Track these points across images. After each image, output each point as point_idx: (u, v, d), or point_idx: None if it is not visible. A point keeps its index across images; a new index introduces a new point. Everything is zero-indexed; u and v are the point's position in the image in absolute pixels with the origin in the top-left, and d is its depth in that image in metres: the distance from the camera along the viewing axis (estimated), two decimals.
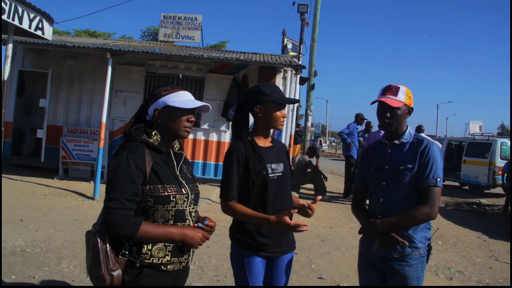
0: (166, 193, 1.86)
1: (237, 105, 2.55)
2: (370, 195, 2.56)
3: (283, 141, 9.48)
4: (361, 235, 2.54)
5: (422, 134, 9.24)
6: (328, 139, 62.71)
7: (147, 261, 1.82)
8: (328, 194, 9.89)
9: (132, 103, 9.63)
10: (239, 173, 2.32)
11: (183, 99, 1.95)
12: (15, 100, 9.71)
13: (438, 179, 2.27)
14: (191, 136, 9.77)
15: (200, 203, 7.74)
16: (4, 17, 4.03)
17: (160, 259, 1.85)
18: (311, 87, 16.21)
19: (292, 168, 8.27)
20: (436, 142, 9.25)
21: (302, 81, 13.78)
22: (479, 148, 13.28)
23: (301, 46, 11.49)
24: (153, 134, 1.93)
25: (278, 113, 2.37)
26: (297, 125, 20.26)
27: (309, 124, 17.16)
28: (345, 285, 4.35)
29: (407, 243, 2.28)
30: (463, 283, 4.83)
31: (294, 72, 9.05)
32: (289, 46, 17.75)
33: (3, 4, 3.95)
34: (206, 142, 9.85)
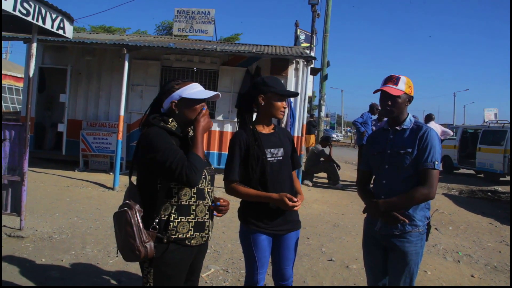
0: None
1: (242, 95, 2.78)
2: (374, 177, 2.75)
3: (296, 130, 9.65)
4: (365, 215, 2.74)
5: (432, 122, 9.31)
6: (343, 129, 62.45)
7: (173, 236, 2.02)
8: (341, 182, 10.03)
9: (149, 96, 9.88)
10: (241, 157, 2.56)
11: (195, 90, 2.17)
12: (36, 96, 10.07)
13: (436, 162, 2.44)
14: None
15: (215, 192, 8.00)
16: (29, 18, 4.27)
17: (185, 234, 2.06)
18: (324, 78, 16.28)
19: (301, 155, 8.38)
20: (448, 130, 9.25)
21: (315, 71, 13.88)
22: (494, 135, 13.19)
23: (313, 37, 11.54)
24: (170, 121, 2.13)
25: (279, 103, 2.60)
26: (311, 115, 20.36)
27: (322, 114, 17.25)
28: (354, 266, 4.54)
29: (407, 221, 2.46)
30: (470, 266, 4.96)
31: (305, 63, 9.18)
32: (302, 37, 17.81)
33: (27, 6, 4.19)
34: (221, 133, 10.07)
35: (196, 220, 2.10)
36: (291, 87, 9.91)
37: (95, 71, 10.14)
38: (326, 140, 10.66)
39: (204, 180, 2.15)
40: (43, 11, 4.42)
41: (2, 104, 13.25)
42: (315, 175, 10.52)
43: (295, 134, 9.80)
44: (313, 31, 11.49)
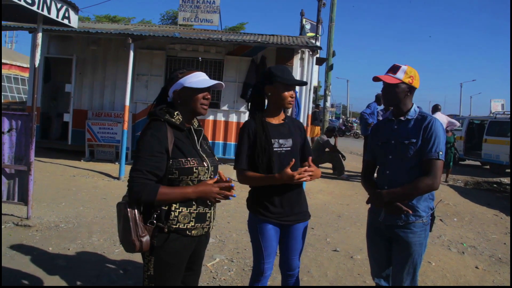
0: (189, 165, 2.07)
1: (253, 86, 2.78)
2: (378, 167, 2.75)
3: (301, 120, 9.62)
4: (369, 205, 2.74)
5: (438, 113, 9.26)
6: (349, 119, 62.11)
7: (174, 226, 2.04)
8: (346, 173, 10.02)
9: (154, 86, 9.89)
10: (249, 146, 2.58)
11: (198, 79, 2.14)
12: (42, 86, 10.09)
13: (440, 153, 2.43)
14: (211, 118, 10.01)
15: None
16: (34, 8, 4.26)
17: (186, 225, 2.07)
18: (330, 68, 16.19)
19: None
20: (455, 121, 9.17)
21: (320, 61, 13.79)
22: (501, 127, 13.07)
23: (318, 26, 11.45)
24: (175, 114, 2.13)
25: (286, 93, 2.60)
26: (317, 105, 20.29)
27: (328, 104, 17.18)
28: (358, 257, 4.55)
29: (411, 212, 2.46)
30: (474, 258, 4.96)
31: (311, 53, 9.12)
32: (308, 26, 17.64)
33: None
34: (226, 123, 10.06)
35: (197, 211, 2.11)
36: (296, 77, 9.84)
37: (100, 61, 10.13)
38: (331, 131, 10.63)
39: (206, 171, 2.14)
40: (48, 0, 4.40)
41: (8, 94, 13.30)
42: (320, 165, 10.50)
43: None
44: (319, 21, 11.41)
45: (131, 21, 23.70)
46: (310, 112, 8.75)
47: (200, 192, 2.06)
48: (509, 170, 13.02)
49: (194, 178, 2.09)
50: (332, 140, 10.37)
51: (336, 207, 7.02)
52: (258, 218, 2.63)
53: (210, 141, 10.16)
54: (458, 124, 10.02)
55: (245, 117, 10.01)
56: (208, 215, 2.18)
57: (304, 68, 9.83)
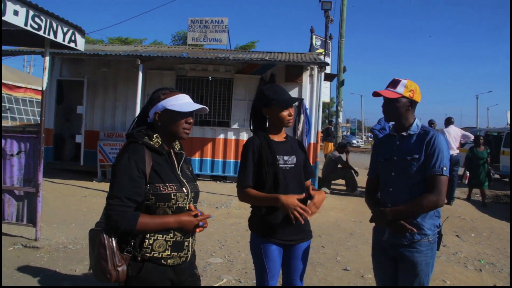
0: (167, 191, 1.95)
1: (251, 108, 2.75)
2: (381, 185, 2.66)
3: (312, 137, 9.55)
4: (374, 224, 2.65)
5: (452, 126, 9.09)
6: (364, 135, 61.80)
7: (148, 255, 1.91)
8: (359, 189, 9.86)
9: None
10: (254, 163, 2.52)
11: (181, 102, 2.02)
12: (55, 108, 10.29)
13: (444, 168, 2.34)
14: (222, 136, 10.04)
15: (231, 201, 7.99)
16: (41, 32, 4.34)
17: (161, 253, 1.94)
18: (341, 83, 16.15)
19: (317, 162, 8.26)
20: (469, 134, 8.95)
21: (331, 77, 13.78)
22: None
23: (327, 42, 11.48)
24: (154, 137, 2.02)
25: (283, 113, 2.56)
26: (329, 122, 20.20)
27: (340, 120, 17.09)
28: (369, 276, 4.41)
29: (415, 230, 2.36)
30: (493, 275, 4.77)
31: (319, 69, 9.13)
32: (318, 43, 17.77)
33: (38, 20, 4.26)
34: (237, 141, 10.06)
35: (174, 239, 1.98)
36: (306, 93, 9.86)
37: (111, 82, 10.30)
38: (343, 147, 10.53)
39: (186, 197, 2.04)
40: (54, 25, 4.50)
41: (24, 116, 13.58)
42: (333, 182, 10.38)
43: (311, 141, 9.72)
44: (327, 37, 11.45)
45: (143, 42, 24.19)
46: (320, 129, 8.68)
47: (180, 222, 1.97)
48: None
49: (172, 204, 1.98)
50: (344, 156, 10.25)
51: (348, 224, 6.88)
52: (262, 239, 2.55)
53: (220, 159, 10.23)
54: (472, 137, 9.81)
55: None
56: (186, 243, 2.05)
57: (314, 85, 9.84)
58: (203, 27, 11.68)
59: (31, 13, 4.20)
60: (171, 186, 1.98)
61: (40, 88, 10.58)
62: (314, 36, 17.82)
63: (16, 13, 4.04)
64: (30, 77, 15.15)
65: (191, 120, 2.07)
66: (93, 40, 19.58)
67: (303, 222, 2.42)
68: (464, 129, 16.55)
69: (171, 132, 2.05)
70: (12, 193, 4.93)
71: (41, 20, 4.33)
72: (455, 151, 8.96)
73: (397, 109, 2.48)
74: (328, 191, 9.88)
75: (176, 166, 2.10)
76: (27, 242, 4.84)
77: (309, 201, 2.55)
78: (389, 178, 2.54)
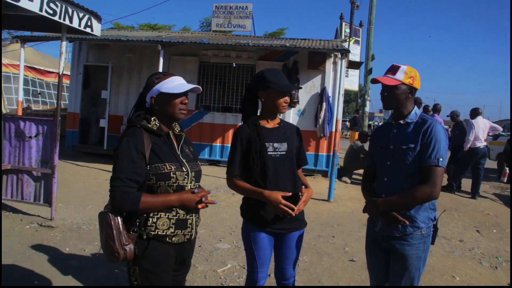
0: (166, 170, 2.03)
1: (245, 89, 2.72)
2: (376, 174, 2.59)
3: (333, 126, 9.40)
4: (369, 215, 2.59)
5: (480, 117, 8.73)
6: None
7: (152, 233, 2.00)
8: None
9: None
10: (242, 152, 2.51)
11: (174, 84, 2.10)
12: (81, 92, 10.57)
13: (441, 159, 2.25)
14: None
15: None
16: (56, 18, 4.45)
17: (165, 231, 2.02)
18: (369, 72, 15.78)
19: (335, 151, 8.12)
20: (497, 126, 8.56)
21: (357, 65, 13.48)
22: None
23: (351, 29, 11.22)
24: (152, 120, 2.10)
25: (280, 99, 2.52)
26: (357, 110, 19.84)
27: (367, 109, 16.74)
28: None
29: (407, 222, 2.29)
30: (509, 274, 4.59)
31: (339, 56, 8.96)
32: (347, 30, 17.39)
33: (53, 6, 4.36)
34: None
35: (177, 217, 2.06)
36: (329, 81, 9.70)
37: (135, 68, 10.46)
38: (365, 136, 10.34)
39: (186, 177, 2.10)
40: (69, 10, 4.59)
41: (54, 101, 14.02)
42: (354, 171, 10.25)
43: (332, 130, 9.58)
44: (352, 23, 11.17)
45: (172, 28, 24.40)
46: (340, 117, 8.54)
47: (182, 200, 2.04)
48: None
49: (172, 183, 2.05)
50: (367, 146, 10.07)
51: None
52: (252, 227, 2.56)
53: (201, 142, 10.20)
54: (501, 129, 9.41)
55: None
56: (190, 221, 2.12)
57: (337, 72, 9.65)
58: (227, 13, 11.65)
59: None
60: (170, 165, 2.05)
61: (69, 73, 10.92)
62: (344, 23, 17.46)
63: None
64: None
65: (186, 101, 2.14)
66: (123, 26, 19.90)
67: (288, 217, 2.41)
68: (502, 121, 15.89)
69: (168, 114, 2.12)
70: (30, 174, 5.13)
71: (56, 6, 4.42)
72: (482, 143, 8.63)
73: (396, 97, 2.40)
74: (348, 180, 9.76)
75: (176, 147, 2.17)
76: (43, 221, 5.04)
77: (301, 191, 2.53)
78: (384, 167, 2.47)
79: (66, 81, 13.84)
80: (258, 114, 2.65)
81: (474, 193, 8.80)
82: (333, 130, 9.35)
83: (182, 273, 2.29)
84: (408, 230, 2.34)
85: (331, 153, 8.30)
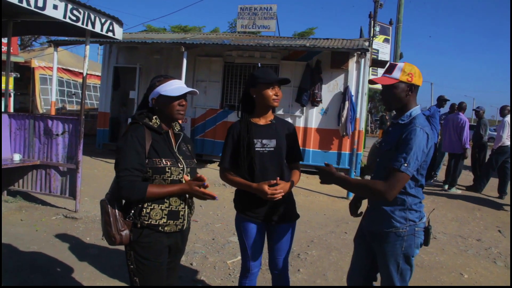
0: (162, 165, 2.20)
1: (242, 92, 2.90)
2: None
3: (352, 124, 9.41)
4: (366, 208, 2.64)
5: (509, 116, 8.46)
6: None
7: (146, 222, 2.19)
8: None
9: (212, 92, 10.34)
10: (233, 147, 2.68)
11: (172, 87, 2.26)
12: (111, 93, 11.06)
13: (405, 165, 2.15)
14: None
15: None
16: (79, 24, 4.77)
17: (157, 221, 2.20)
18: None
19: (355, 150, 8.11)
20: None
21: (383, 64, 13.34)
22: None
23: (373, 28, 11.12)
24: (154, 119, 2.28)
25: (268, 91, 2.65)
26: (385, 109, 19.56)
27: None
28: None
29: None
30: None
31: (359, 54, 8.96)
32: (377, 29, 17.16)
33: (76, 13, 4.68)
34: None
35: (169, 208, 2.23)
36: (352, 80, 9.68)
37: (162, 69, 10.79)
38: None
39: (181, 172, 2.26)
40: (92, 16, 4.90)
41: (88, 101, 14.67)
42: None
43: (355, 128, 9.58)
44: (375, 22, 11.09)
45: (202, 29, 24.87)
46: (357, 116, 8.56)
47: (183, 189, 2.21)
48: None
49: (167, 177, 2.21)
50: None
51: None
52: (243, 217, 2.72)
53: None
54: None
55: (300, 121, 10.07)
56: (182, 213, 2.28)
57: (360, 72, 9.62)
58: (252, 14, 11.83)
59: (69, 6, 4.61)
60: (167, 161, 2.22)
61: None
62: (372, 22, 17.24)
63: (55, 7, 4.46)
64: (95, 65, 16.28)
65: (184, 103, 2.30)
66: (155, 29, 20.50)
67: (277, 198, 2.54)
68: None
69: (167, 114, 2.30)
70: (57, 169, 5.51)
71: (79, 13, 4.74)
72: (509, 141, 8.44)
73: (395, 96, 2.34)
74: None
75: (174, 145, 2.34)
76: (68, 213, 5.39)
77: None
78: (375, 164, 2.55)
79: (97, 82, 14.51)
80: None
81: (501, 192, 8.59)
82: (356, 129, 9.36)
83: (175, 259, 2.48)
84: (385, 228, 2.35)
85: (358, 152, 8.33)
